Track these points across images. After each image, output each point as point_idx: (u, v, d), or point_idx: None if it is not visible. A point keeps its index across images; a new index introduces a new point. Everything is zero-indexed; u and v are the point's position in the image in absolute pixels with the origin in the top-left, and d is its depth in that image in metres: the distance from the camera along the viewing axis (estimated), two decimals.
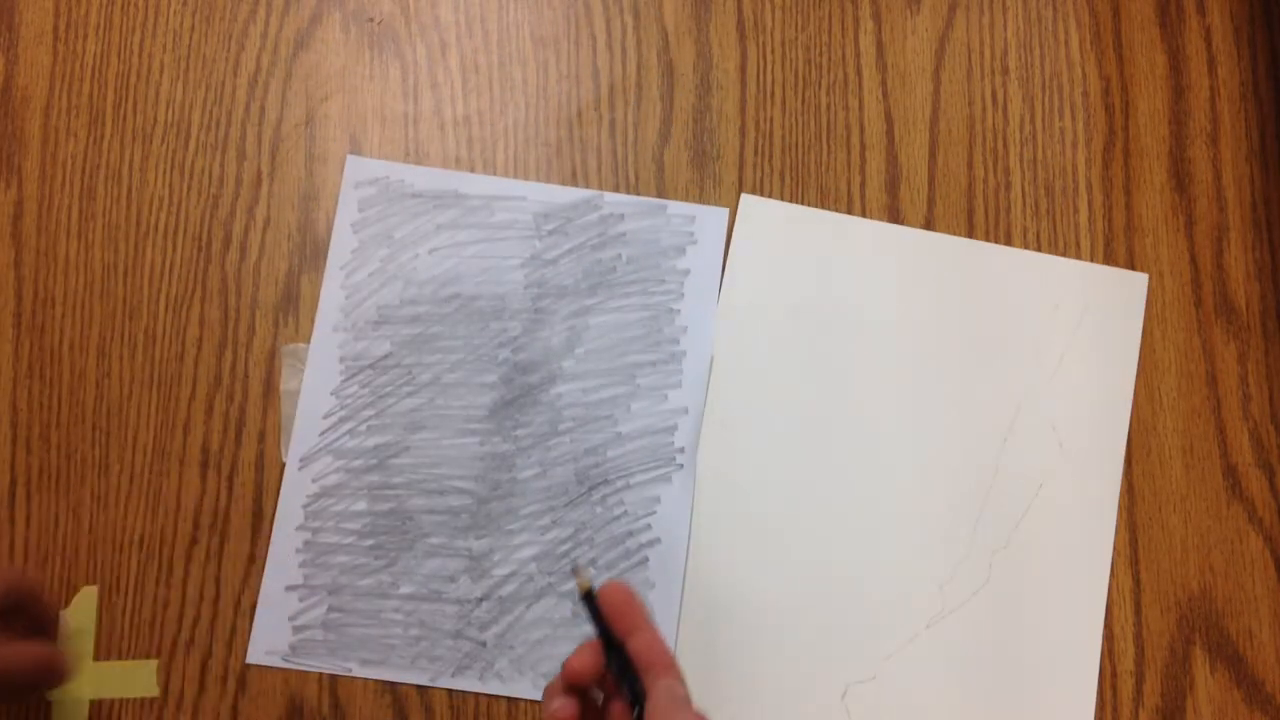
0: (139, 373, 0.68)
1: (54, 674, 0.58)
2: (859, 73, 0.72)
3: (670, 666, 0.51)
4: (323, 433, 0.67)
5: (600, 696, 0.53)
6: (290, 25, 0.72)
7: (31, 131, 0.70)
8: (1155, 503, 0.67)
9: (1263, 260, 0.70)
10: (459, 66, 0.72)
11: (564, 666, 0.51)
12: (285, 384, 0.67)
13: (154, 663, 0.64)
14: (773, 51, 0.72)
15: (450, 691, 0.64)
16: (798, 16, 0.73)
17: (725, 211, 0.70)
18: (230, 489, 0.66)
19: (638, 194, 0.70)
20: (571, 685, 0.51)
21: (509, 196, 0.70)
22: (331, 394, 0.67)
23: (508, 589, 0.65)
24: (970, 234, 0.70)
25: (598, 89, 0.72)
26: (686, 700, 0.50)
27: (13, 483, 0.66)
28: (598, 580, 0.60)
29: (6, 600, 0.57)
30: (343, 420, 0.67)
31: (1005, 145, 0.71)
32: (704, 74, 0.72)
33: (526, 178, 0.70)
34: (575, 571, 0.54)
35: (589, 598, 0.52)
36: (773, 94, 0.72)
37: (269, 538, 0.66)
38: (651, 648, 0.51)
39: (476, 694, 0.64)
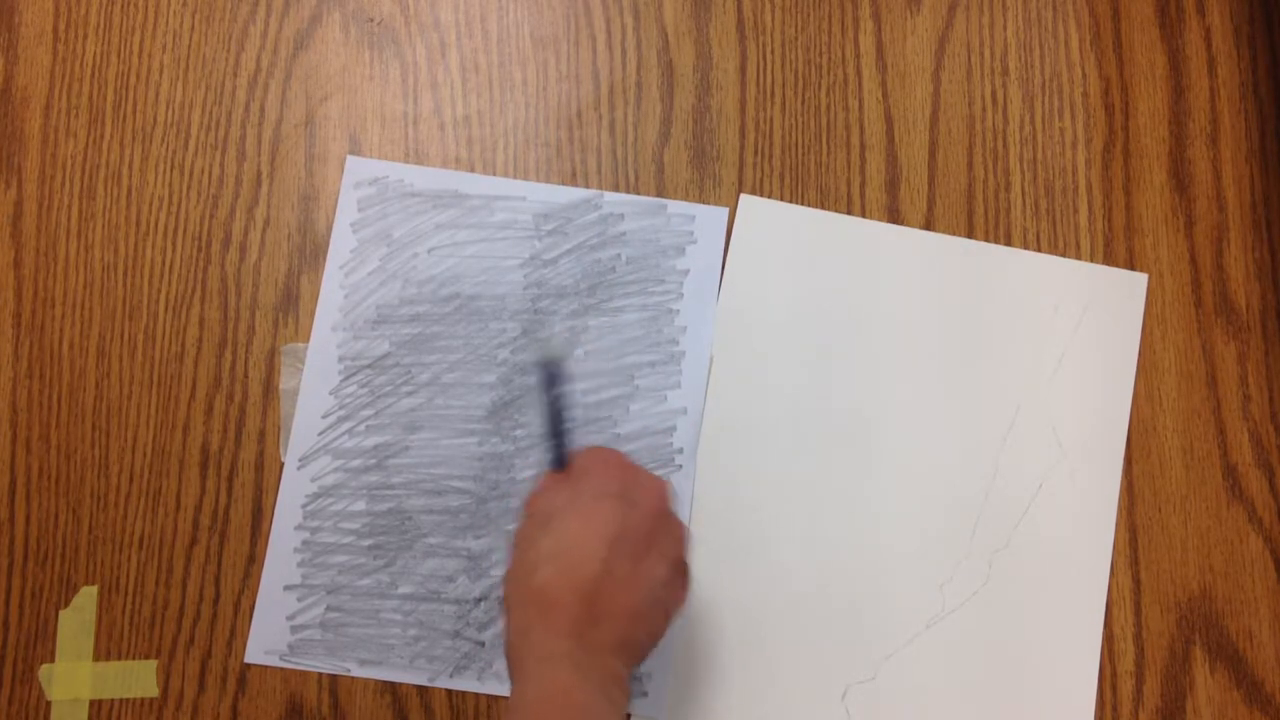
0: (139, 373, 0.68)
1: None
2: (859, 73, 0.72)
3: None
4: (321, 432, 0.67)
5: None
6: (290, 25, 0.72)
7: (31, 131, 0.70)
8: (1155, 503, 0.67)
9: (1263, 260, 0.70)
10: (459, 66, 0.72)
11: None
12: (284, 384, 0.67)
13: (154, 663, 0.64)
14: (773, 51, 0.72)
15: (450, 691, 0.64)
16: (798, 16, 0.73)
17: (725, 211, 0.70)
18: (230, 489, 0.66)
19: (637, 194, 0.70)
20: None
21: (509, 196, 0.70)
22: (330, 394, 0.67)
23: None
24: (970, 234, 0.70)
25: (598, 89, 0.72)
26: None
27: (13, 483, 0.66)
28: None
29: None
30: (341, 420, 0.67)
31: (1005, 145, 0.71)
32: (704, 74, 0.72)
33: (526, 178, 0.70)
34: (546, 341, 0.63)
35: (549, 366, 0.56)
36: (773, 94, 0.72)
37: (269, 537, 0.66)
38: None
39: (476, 694, 0.64)
